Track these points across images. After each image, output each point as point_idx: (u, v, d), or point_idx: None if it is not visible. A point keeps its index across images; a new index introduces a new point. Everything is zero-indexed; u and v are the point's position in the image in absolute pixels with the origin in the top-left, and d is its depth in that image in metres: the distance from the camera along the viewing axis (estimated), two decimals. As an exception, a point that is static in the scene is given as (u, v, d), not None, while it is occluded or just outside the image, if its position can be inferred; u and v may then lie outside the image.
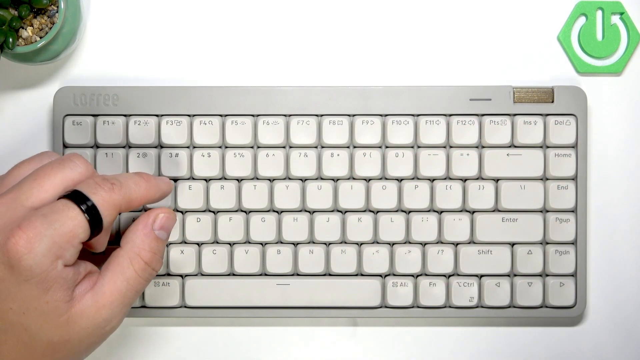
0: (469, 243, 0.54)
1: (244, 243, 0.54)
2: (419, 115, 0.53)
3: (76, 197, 0.41)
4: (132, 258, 0.44)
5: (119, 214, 0.45)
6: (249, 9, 0.55)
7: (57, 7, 0.49)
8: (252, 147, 0.53)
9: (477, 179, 0.53)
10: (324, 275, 0.54)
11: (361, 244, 0.54)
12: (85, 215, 0.41)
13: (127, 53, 0.55)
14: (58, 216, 0.40)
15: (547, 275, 0.54)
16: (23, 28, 0.49)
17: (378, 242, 0.54)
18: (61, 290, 0.41)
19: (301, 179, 0.53)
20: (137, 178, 0.45)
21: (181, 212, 0.53)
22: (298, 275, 0.54)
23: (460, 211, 0.53)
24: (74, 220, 0.41)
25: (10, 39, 0.48)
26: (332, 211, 0.54)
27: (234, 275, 0.54)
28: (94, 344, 0.44)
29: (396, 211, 0.53)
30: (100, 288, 0.43)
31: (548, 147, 0.53)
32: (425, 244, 0.54)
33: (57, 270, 0.40)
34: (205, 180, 0.53)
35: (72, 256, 0.41)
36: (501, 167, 0.53)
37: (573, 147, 0.53)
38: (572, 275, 0.54)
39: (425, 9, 0.55)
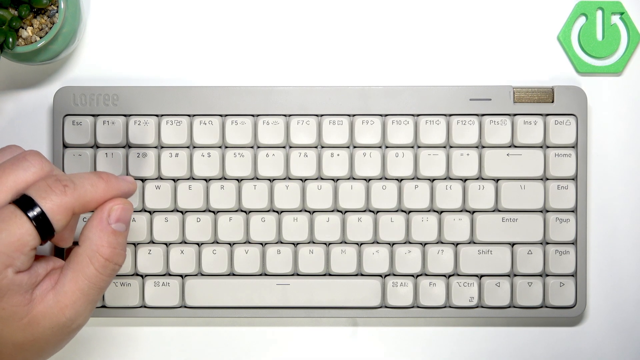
0: (469, 243, 0.54)
1: (244, 243, 0.53)
2: (419, 115, 0.53)
3: (25, 203, 0.40)
4: (91, 256, 0.42)
5: (77, 215, 0.43)
6: (249, 9, 0.55)
7: (57, 7, 0.49)
8: (252, 147, 0.53)
9: (477, 179, 0.53)
10: (324, 275, 0.54)
11: (361, 244, 0.54)
12: (33, 222, 0.39)
13: (127, 53, 0.55)
14: (4, 225, 0.39)
15: (547, 275, 0.54)
16: (23, 28, 0.49)
17: (378, 242, 0.54)
18: (17, 296, 0.40)
19: (301, 179, 0.53)
20: (95, 179, 0.43)
21: (181, 212, 0.53)
22: (298, 275, 0.54)
23: (460, 211, 0.53)
24: (21, 229, 0.39)
25: (10, 39, 0.47)
26: (332, 211, 0.54)
27: (234, 275, 0.54)
28: (62, 341, 0.43)
29: (396, 211, 0.53)
30: (61, 288, 0.42)
31: (548, 147, 0.53)
32: (425, 244, 0.54)
33: (8, 278, 0.39)
34: (205, 180, 0.53)
35: (24, 263, 0.40)
36: (501, 167, 0.53)
37: (573, 147, 0.53)
38: (572, 275, 0.54)
39: (425, 9, 0.55)
